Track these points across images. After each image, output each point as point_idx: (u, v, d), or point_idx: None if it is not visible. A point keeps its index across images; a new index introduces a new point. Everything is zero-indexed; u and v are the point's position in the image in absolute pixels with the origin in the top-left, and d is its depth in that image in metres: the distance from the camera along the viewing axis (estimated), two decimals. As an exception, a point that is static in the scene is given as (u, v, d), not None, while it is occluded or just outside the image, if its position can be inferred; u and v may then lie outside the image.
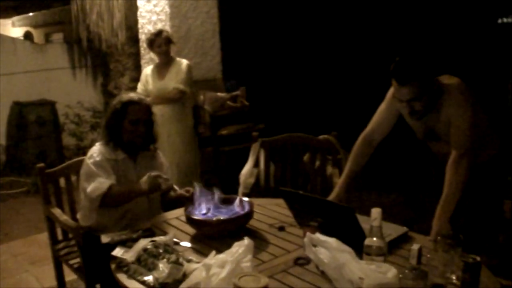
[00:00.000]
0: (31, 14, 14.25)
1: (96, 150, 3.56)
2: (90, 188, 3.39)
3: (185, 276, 2.43)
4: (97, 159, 3.49)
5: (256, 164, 4.49)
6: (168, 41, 5.71)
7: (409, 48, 3.98)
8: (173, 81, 5.65)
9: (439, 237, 2.45)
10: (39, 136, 8.46)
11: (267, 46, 8.42)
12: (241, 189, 4.30)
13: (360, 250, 2.42)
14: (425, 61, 3.07)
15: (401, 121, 3.42)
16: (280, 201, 3.31)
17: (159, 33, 5.72)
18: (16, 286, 4.78)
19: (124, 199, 3.45)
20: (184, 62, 5.80)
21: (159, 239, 2.76)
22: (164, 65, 5.77)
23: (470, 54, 6.59)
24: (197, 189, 3.24)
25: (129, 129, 3.54)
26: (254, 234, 3.05)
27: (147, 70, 5.91)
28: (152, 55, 6.11)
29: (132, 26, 7.78)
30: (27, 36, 14.38)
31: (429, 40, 7.50)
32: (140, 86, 5.87)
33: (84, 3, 8.23)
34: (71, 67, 9.55)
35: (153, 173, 3.34)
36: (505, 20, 8.34)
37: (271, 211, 3.47)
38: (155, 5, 6.79)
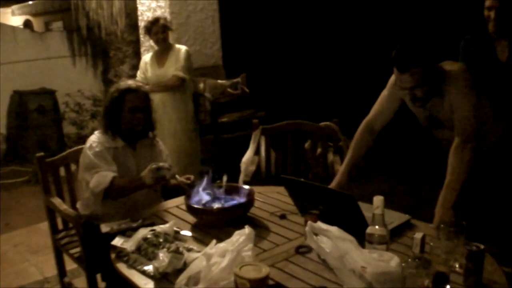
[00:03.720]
0: (30, 2, 14.22)
1: (95, 139, 3.54)
2: (92, 182, 3.39)
3: (185, 265, 2.42)
4: (97, 149, 3.47)
5: (257, 151, 4.48)
6: (165, 28, 5.66)
7: (410, 35, 3.95)
8: (173, 68, 5.61)
9: (442, 225, 2.43)
10: (40, 125, 8.44)
11: (268, 33, 8.38)
12: (242, 177, 4.30)
13: (362, 238, 2.40)
14: (426, 48, 3.04)
15: (404, 107, 3.39)
16: (281, 189, 3.28)
17: (155, 20, 5.67)
18: (17, 275, 4.76)
19: (126, 192, 3.44)
20: (183, 48, 5.76)
21: (159, 228, 2.75)
22: (163, 52, 5.73)
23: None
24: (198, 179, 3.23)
25: (127, 117, 3.52)
26: (255, 223, 3.03)
27: (146, 58, 5.88)
28: (151, 42, 6.07)
29: (131, 13, 7.74)
30: (27, 24, 14.35)
31: (430, 26, 7.46)
32: (139, 74, 5.84)
33: (84, -10, 8.20)
34: (71, 56, 9.50)
35: (154, 165, 3.30)
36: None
37: (272, 199, 3.45)
38: (154, -8, 6.76)
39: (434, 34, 6.63)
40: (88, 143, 3.55)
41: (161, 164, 3.33)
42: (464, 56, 3.72)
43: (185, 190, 3.31)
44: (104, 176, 3.38)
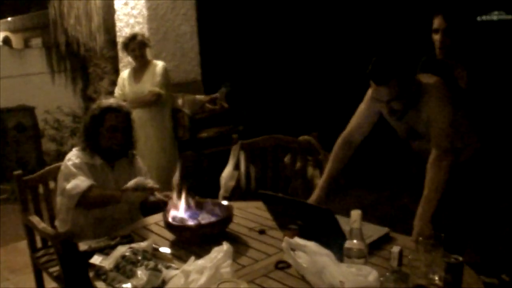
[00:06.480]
0: (9, 19, 14.15)
1: (74, 154, 3.53)
2: (70, 184, 3.37)
3: (164, 283, 2.40)
4: (76, 161, 3.47)
5: (237, 166, 4.47)
6: (143, 45, 5.64)
7: (387, 48, 3.95)
8: (149, 83, 5.59)
9: (420, 238, 2.44)
10: (19, 142, 8.38)
11: (246, 48, 8.39)
12: (221, 192, 4.29)
13: (341, 252, 2.39)
14: (403, 61, 3.05)
15: (382, 119, 3.40)
16: (260, 204, 3.26)
17: (133, 37, 5.65)
18: (-4, 295, 4.72)
19: (101, 203, 3.42)
20: (160, 64, 5.74)
21: (138, 245, 2.73)
22: (141, 68, 5.71)
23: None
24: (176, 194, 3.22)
25: (106, 135, 3.51)
26: (234, 238, 3.02)
27: (124, 74, 5.86)
28: (130, 58, 6.06)
29: (110, 30, 7.72)
30: (6, 41, 14.27)
31: (407, 40, 7.50)
32: (117, 90, 5.82)
33: (62, 7, 8.16)
34: (50, 72, 9.45)
35: (138, 189, 3.30)
36: (484, 18, 8.37)
37: (251, 214, 3.44)
38: (132, 8, 6.74)
39: (410, 46, 6.67)
40: (67, 157, 3.54)
41: (144, 180, 3.32)
42: None
43: (164, 207, 3.29)
44: (82, 180, 3.37)
